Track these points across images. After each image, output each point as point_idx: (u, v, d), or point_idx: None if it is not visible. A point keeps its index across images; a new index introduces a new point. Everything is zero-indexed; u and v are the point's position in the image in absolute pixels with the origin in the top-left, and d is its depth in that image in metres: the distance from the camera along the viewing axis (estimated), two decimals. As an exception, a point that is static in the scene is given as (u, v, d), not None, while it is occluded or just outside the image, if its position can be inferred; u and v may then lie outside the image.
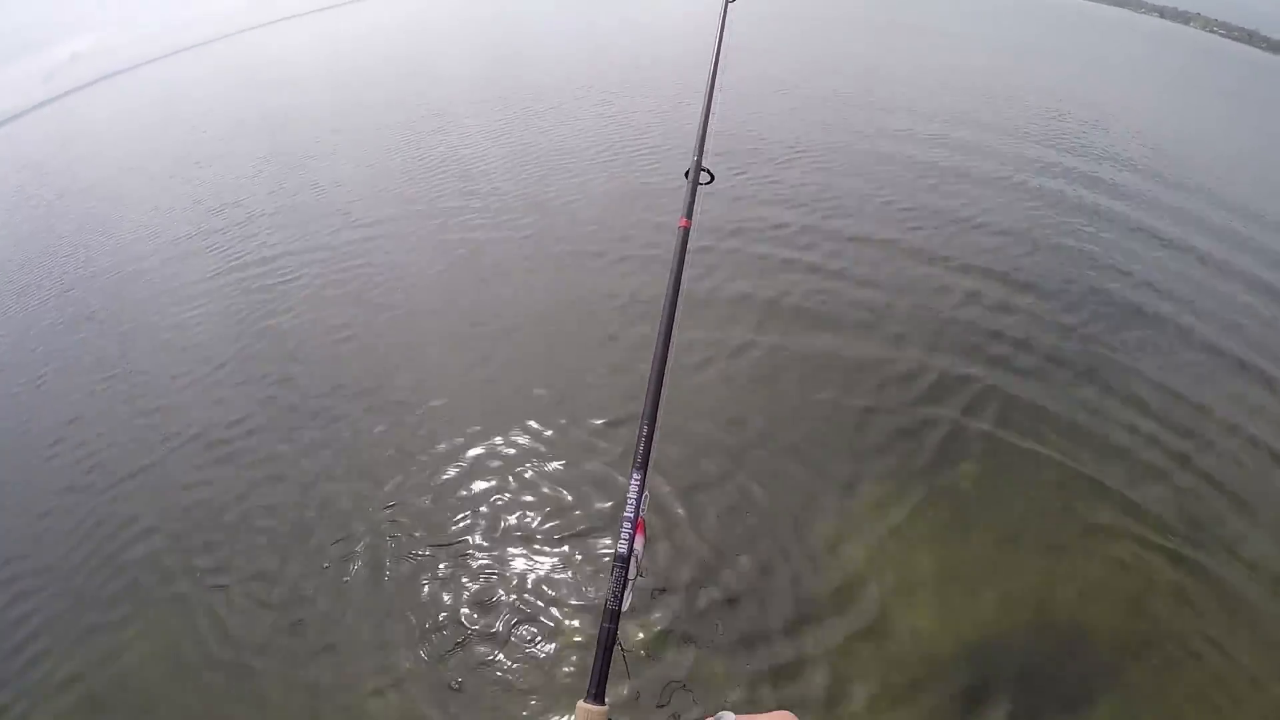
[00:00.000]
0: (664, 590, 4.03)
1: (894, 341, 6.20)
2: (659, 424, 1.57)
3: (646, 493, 1.69)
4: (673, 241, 1.74)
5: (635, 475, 1.62)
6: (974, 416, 5.30)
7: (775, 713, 0.87)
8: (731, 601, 3.96)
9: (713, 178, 2.00)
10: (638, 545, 1.71)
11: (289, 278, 8.68)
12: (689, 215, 1.80)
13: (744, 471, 4.88)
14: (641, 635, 3.78)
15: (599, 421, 5.33)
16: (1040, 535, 4.30)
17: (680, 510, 4.58)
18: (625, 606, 1.74)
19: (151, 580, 4.62)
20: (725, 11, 3.23)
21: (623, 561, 1.70)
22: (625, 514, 1.67)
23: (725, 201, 8.85)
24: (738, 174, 9.99)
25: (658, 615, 3.88)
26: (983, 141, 12.15)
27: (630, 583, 1.73)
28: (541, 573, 4.19)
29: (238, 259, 9.75)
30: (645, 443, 1.58)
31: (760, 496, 4.67)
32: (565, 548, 4.40)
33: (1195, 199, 10.52)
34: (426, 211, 10.23)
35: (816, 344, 6.18)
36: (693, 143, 2.08)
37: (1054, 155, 11.76)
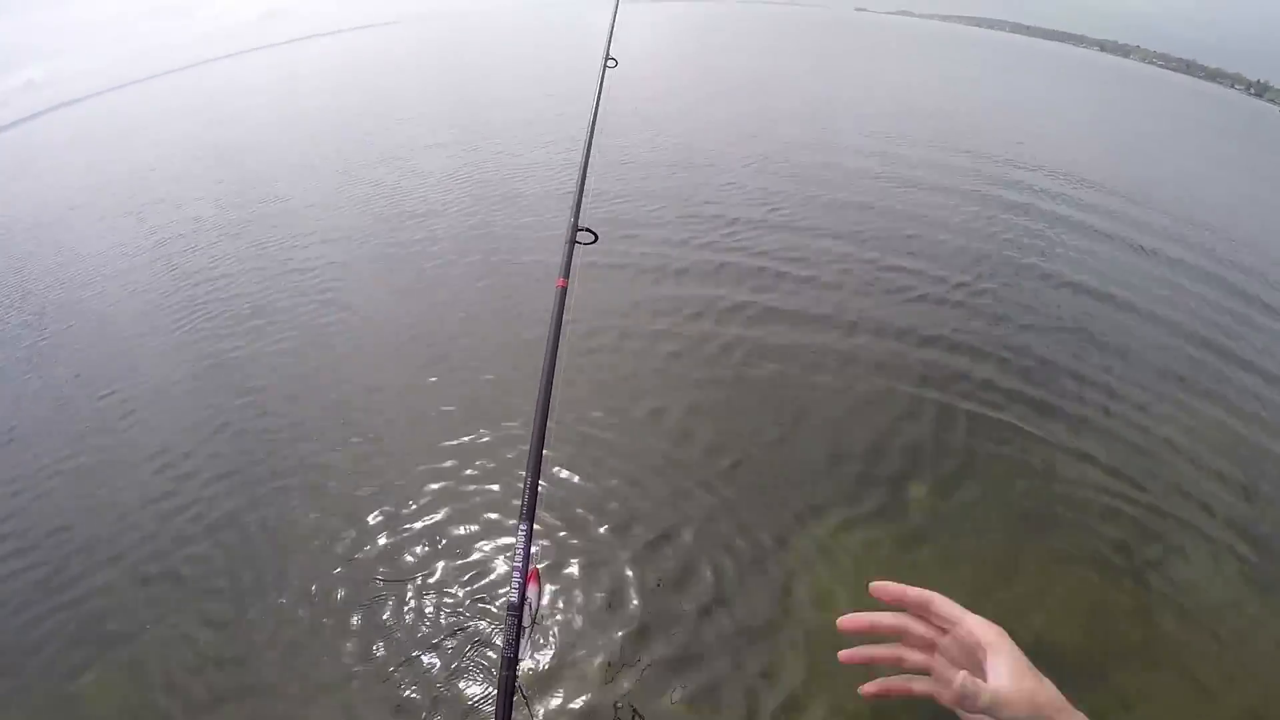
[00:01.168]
0: (573, 625, 3.97)
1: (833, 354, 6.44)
2: (545, 475, 1.61)
3: (534, 546, 1.74)
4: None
5: (522, 527, 1.67)
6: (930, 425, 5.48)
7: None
8: (648, 626, 3.93)
9: (596, 237, 2.07)
10: (530, 594, 1.76)
11: (248, 343, 7.86)
12: (566, 275, 1.87)
13: (664, 492, 4.91)
14: (548, 676, 3.71)
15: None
16: (999, 552, 4.42)
17: (589, 528, 4.57)
18: (523, 654, 1.79)
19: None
20: (603, 75, 3.36)
21: (515, 610, 1.75)
22: (515, 564, 1.72)
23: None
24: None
25: (563, 655, 3.80)
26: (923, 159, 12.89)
27: (526, 630, 1.79)
28: (449, 620, 4.05)
29: (192, 318, 8.77)
30: (530, 494, 1.64)
31: (692, 519, 4.67)
32: (473, 594, 4.24)
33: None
34: (380, 257, 10.00)
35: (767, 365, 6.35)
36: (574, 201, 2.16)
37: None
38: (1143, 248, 9.85)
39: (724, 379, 6.18)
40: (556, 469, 5.04)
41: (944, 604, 0.79)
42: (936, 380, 6.12)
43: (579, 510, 4.78)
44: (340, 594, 4.35)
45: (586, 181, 2.25)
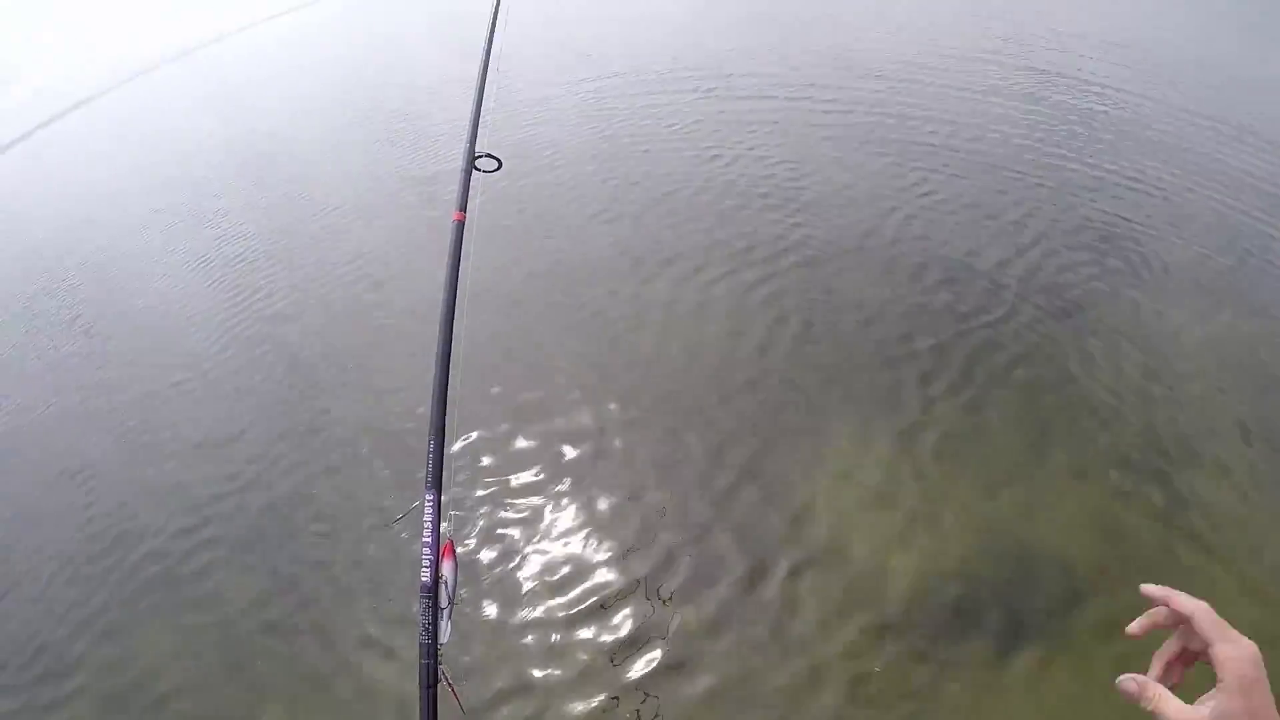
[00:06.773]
0: (506, 596, 3.39)
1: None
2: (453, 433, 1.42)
3: (451, 512, 1.56)
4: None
5: (428, 496, 1.48)
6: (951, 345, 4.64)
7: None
8: (608, 590, 3.41)
9: (500, 164, 1.86)
10: (446, 571, 1.58)
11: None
12: (463, 207, 1.65)
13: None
14: (479, 658, 3.24)
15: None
16: (1018, 467, 3.92)
17: (507, 487, 3.93)
18: (445, 639, 1.61)
19: None
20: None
21: (428, 592, 1.56)
22: (424, 540, 1.52)
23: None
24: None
25: (496, 632, 3.29)
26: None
27: (444, 612, 1.60)
28: (363, 609, 3.52)
29: None
30: (435, 458, 1.44)
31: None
32: (383, 578, 3.68)
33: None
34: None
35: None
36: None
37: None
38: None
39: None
40: (465, 429, 4.38)
41: (1201, 622, 0.75)
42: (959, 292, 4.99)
43: (492, 463, 4.12)
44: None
45: (485, 100, 2.01)
